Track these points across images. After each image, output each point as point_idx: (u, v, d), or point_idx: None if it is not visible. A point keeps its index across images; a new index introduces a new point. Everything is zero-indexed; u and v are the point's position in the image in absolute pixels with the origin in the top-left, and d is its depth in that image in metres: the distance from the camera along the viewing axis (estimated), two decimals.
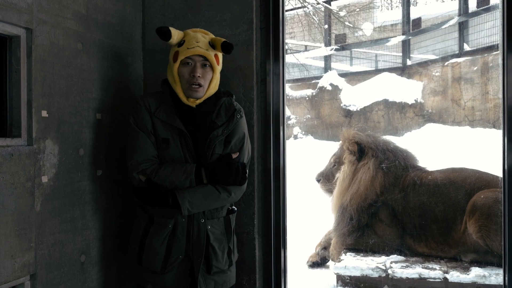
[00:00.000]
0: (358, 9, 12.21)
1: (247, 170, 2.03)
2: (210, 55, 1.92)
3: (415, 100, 9.06)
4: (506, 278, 2.07)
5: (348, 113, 9.59)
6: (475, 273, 3.61)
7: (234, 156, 1.95)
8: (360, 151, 4.44)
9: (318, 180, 4.90)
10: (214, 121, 1.97)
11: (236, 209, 2.10)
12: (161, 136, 1.92)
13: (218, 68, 1.98)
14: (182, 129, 1.91)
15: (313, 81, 10.70)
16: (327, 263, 4.53)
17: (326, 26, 11.33)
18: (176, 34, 1.93)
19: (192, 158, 1.92)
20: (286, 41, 2.47)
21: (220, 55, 1.99)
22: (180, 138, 1.92)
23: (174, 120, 1.92)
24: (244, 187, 2.00)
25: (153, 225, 1.93)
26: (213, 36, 2.00)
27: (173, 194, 1.87)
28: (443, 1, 12.27)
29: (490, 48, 8.16)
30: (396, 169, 4.28)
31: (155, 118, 1.92)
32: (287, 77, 2.50)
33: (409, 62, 10.10)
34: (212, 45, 1.95)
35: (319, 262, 4.55)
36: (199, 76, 1.90)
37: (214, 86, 1.98)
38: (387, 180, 4.25)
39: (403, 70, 9.94)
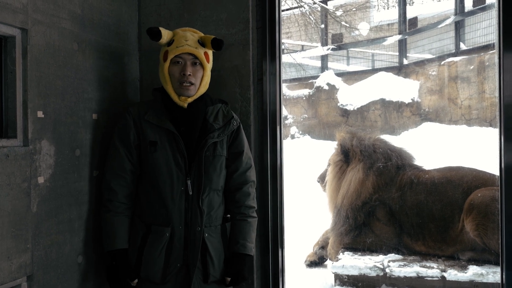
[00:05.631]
0: (354, 9, 12.23)
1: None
2: (199, 52, 1.91)
3: (411, 99, 9.08)
4: (504, 276, 2.07)
5: (345, 113, 9.59)
6: (473, 272, 3.62)
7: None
8: (344, 153, 4.47)
9: (318, 181, 4.96)
10: (212, 124, 1.96)
11: (230, 217, 2.07)
12: (149, 139, 1.91)
13: (209, 65, 1.97)
14: (172, 130, 1.90)
15: (310, 81, 10.71)
16: (325, 263, 4.54)
17: (323, 26, 11.34)
18: (166, 34, 1.92)
19: (183, 158, 1.90)
20: (283, 41, 2.48)
21: (210, 52, 1.98)
22: (169, 139, 1.91)
23: (164, 122, 1.91)
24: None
25: (150, 234, 1.90)
26: (203, 35, 2.00)
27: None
28: (439, 1, 12.31)
29: (486, 47, 8.18)
30: (389, 169, 4.30)
31: (144, 122, 1.92)
32: (283, 76, 2.51)
33: (405, 62, 10.12)
34: (202, 43, 1.95)
35: (317, 262, 4.56)
36: (189, 75, 1.90)
37: (205, 84, 1.98)
38: (380, 180, 4.26)
39: (399, 70, 9.96)
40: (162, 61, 1.95)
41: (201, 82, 1.95)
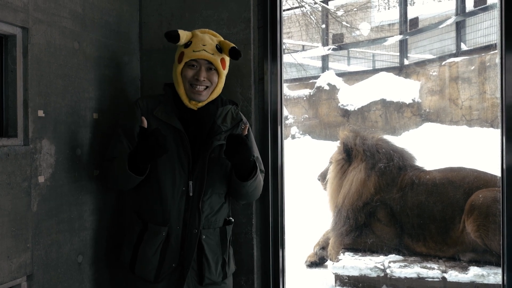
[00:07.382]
0: (355, 9, 12.22)
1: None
2: (215, 59, 1.87)
3: (412, 99, 9.07)
4: (505, 277, 2.06)
5: (345, 113, 9.58)
6: (474, 273, 3.62)
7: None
8: (347, 152, 4.45)
9: (319, 179, 4.94)
10: (219, 125, 1.93)
11: (233, 220, 2.05)
12: None
13: (224, 72, 1.93)
14: (180, 128, 1.87)
15: (311, 81, 10.70)
16: (326, 263, 4.53)
17: (324, 26, 11.33)
18: (184, 36, 1.88)
19: (187, 159, 1.87)
20: (284, 41, 2.46)
21: (227, 59, 1.94)
22: (176, 138, 1.88)
23: (172, 119, 1.88)
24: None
25: (146, 232, 1.88)
26: (222, 39, 1.95)
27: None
28: (440, 1, 12.30)
29: (487, 48, 8.17)
30: (391, 170, 4.28)
31: (152, 117, 1.88)
32: (284, 77, 2.50)
33: (406, 62, 10.12)
34: (220, 48, 1.90)
35: (317, 262, 4.55)
36: (203, 80, 1.86)
37: (218, 90, 1.94)
38: (381, 181, 4.25)
39: (400, 70, 9.95)
40: (176, 61, 1.91)
41: (215, 88, 1.92)
